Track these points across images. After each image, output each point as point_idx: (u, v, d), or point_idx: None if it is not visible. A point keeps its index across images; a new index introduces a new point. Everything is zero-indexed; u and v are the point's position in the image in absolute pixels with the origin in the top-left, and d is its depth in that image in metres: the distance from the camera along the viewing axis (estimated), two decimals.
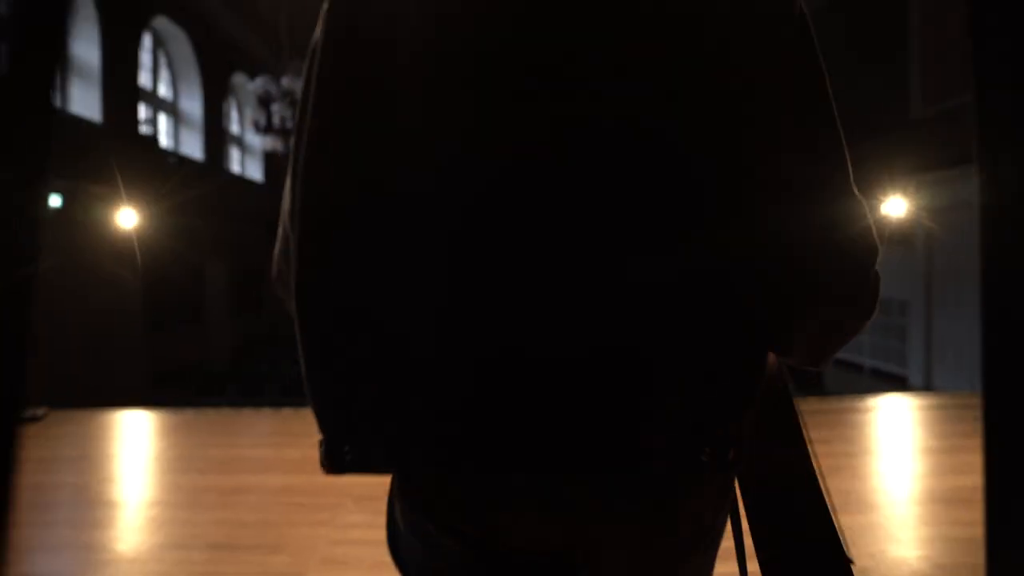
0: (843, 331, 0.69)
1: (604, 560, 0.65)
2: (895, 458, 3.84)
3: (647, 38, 0.59)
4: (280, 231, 0.72)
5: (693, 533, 0.67)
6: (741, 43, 0.60)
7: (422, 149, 0.61)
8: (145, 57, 12.55)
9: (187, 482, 3.61)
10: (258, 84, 7.18)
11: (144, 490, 3.60)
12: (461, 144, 0.61)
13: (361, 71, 0.63)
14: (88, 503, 3.26)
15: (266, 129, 7.22)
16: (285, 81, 7.10)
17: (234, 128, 15.60)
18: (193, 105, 13.65)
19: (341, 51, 0.63)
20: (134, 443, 4.61)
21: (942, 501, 2.98)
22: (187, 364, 11.73)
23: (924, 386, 9.91)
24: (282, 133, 7.17)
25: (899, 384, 10.45)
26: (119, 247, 10.46)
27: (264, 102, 7.13)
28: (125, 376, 10.64)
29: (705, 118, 0.59)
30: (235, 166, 16.16)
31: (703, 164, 0.60)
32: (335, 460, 0.68)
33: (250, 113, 7.33)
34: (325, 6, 0.65)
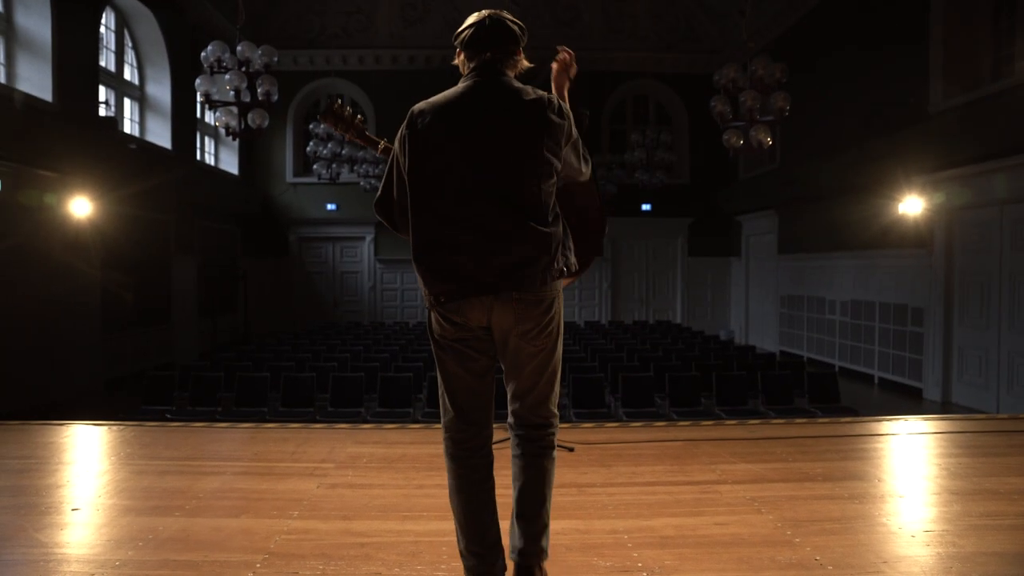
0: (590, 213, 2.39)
1: (505, 325, 2.03)
2: (985, 500, 3.05)
3: (531, 147, 2.02)
4: (381, 192, 2.17)
5: (540, 320, 2.04)
6: (547, 129, 2.04)
7: (440, 174, 2.01)
8: (110, 37, 11.73)
9: (63, 524, 2.80)
10: (209, 52, 6.31)
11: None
12: (451, 173, 2.01)
13: (420, 148, 2.03)
14: None
15: (218, 102, 6.34)
16: (240, 49, 6.25)
17: (208, 117, 14.74)
18: (161, 91, 12.82)
19: (413, 142, 2.03)
20: (30, 466, 3.78)
21: None
22: (146, 368, 10.90)
23: (942, 400, 9.19)
24: (239, 107, 6.29)
25: (914, 397, 9.71)
26: (71, 238, 9.61)
27: (215, 71, 6.27)
28: (76, 380, 9.77)
29: (535, 152, 2.02)
30: (208, 157, 15.31)
31: (532, 162, 2.02)
32: (435, 301, 2.03)
33: (202, 84, 6.44)
34: (405, 131, 2.06)
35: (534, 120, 2.02)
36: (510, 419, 2.20)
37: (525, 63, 2.19)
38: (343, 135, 2.54)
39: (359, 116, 2.48)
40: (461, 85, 2.10)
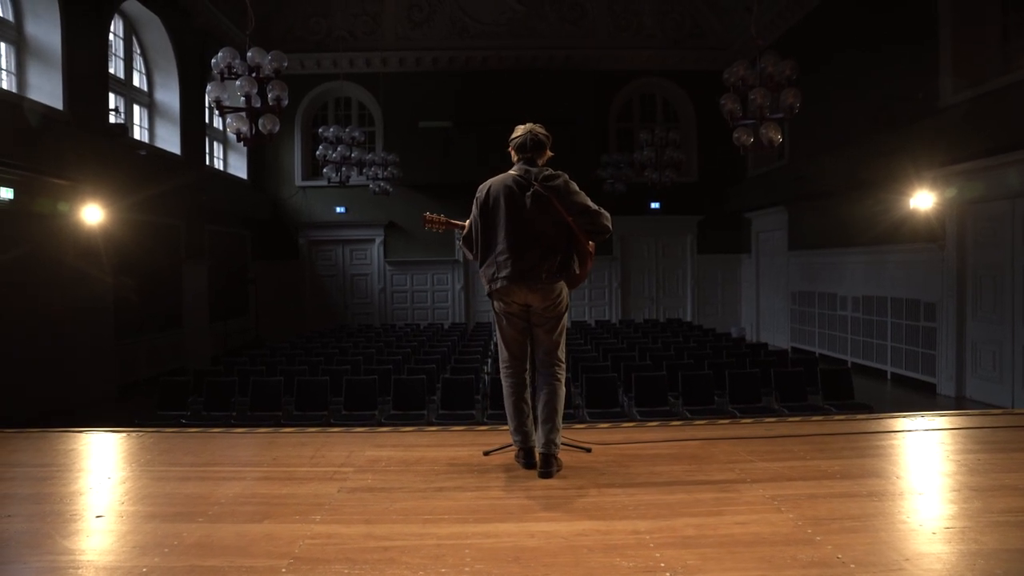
0: (603, 236, 3.63)
1: (533, 304, 3.54)
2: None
3: (543, 208, 3.51)
4: (468, 225, 3.70)
5: (554, 300, 3.53)
6: (561, 195, 3.52)
7: (497, 221, 3.55)
8: (118, 45, 11.80)
9: (85, 530, 2.83)
10: (219, 58, 6.34)
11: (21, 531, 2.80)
12: (501, 221, 3.54)
13: (486, 208, 3.58)
14: None
15: (229, 108, 6.36)
16: (251, 55, 6.28)
17: (216, 122, 14.82)
18: (170, 96, 12.89)
19: (483, 204, 3.59)
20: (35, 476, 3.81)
21: None
22: (159, 373, 10.97)
23: (956, 395, 9.15)
24: (249, 112, 6.32)
25: (927, 393, 9.67)
26: (84, 245, 9.68)
27: (225, 77, 6.30)
28: (90, 386, 9.84)
29: (558, 211, 3.51)
30: (217, 162, 15.38)
31: (558, 218, 3.52)
32: (493, 289, 3.54)
33: (212, 90, 6.47)
34: (481, 196, 3.61)
35: (551, 190, 3.47)
36: (536, 364, 3.63)
37: (549, 154, 3.67)
38: (439, 230, 3.77)
39: (441, 215, 3.80)
40: (512, 170, 3.58)
